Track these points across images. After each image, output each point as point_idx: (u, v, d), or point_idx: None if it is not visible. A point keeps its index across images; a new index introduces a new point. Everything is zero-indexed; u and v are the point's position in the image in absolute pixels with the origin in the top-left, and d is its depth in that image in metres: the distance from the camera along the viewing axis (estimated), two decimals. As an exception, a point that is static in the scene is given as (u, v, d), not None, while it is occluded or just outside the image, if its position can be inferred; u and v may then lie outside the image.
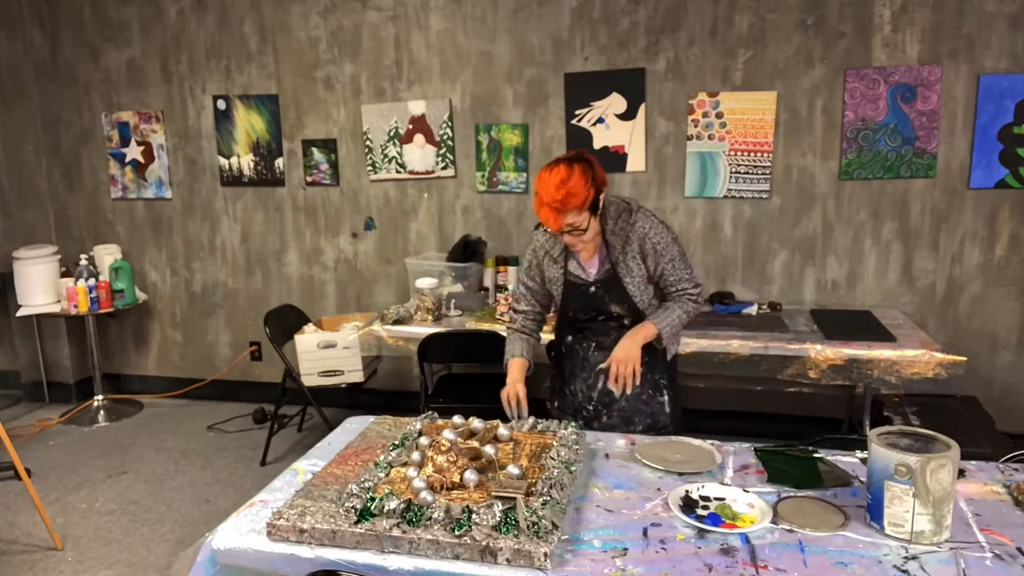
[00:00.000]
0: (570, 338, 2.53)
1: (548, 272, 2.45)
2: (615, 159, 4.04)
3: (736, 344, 3.19)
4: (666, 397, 2.49)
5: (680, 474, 1.90)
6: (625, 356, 2.30)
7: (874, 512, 1.61)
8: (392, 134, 4.33)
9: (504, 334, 3.32)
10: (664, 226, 2.36)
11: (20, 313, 4.55)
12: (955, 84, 3.61)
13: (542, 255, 2.46)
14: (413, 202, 4.41)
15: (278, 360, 3.95)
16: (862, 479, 1.83)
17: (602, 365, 2.38)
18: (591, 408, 2.48)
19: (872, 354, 3.07)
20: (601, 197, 2.27)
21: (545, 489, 1.65)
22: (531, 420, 2.15)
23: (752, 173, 3.88)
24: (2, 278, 4.74)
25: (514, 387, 2.35)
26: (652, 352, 2.41)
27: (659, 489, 1.82)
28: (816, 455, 1.98)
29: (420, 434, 2.01)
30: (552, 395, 2.64)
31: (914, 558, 1.51)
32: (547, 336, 3.31)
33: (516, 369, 2.42)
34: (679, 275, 2.37)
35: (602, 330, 2.44)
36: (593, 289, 2.39)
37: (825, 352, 3.11)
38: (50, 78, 4.74)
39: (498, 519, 1.54)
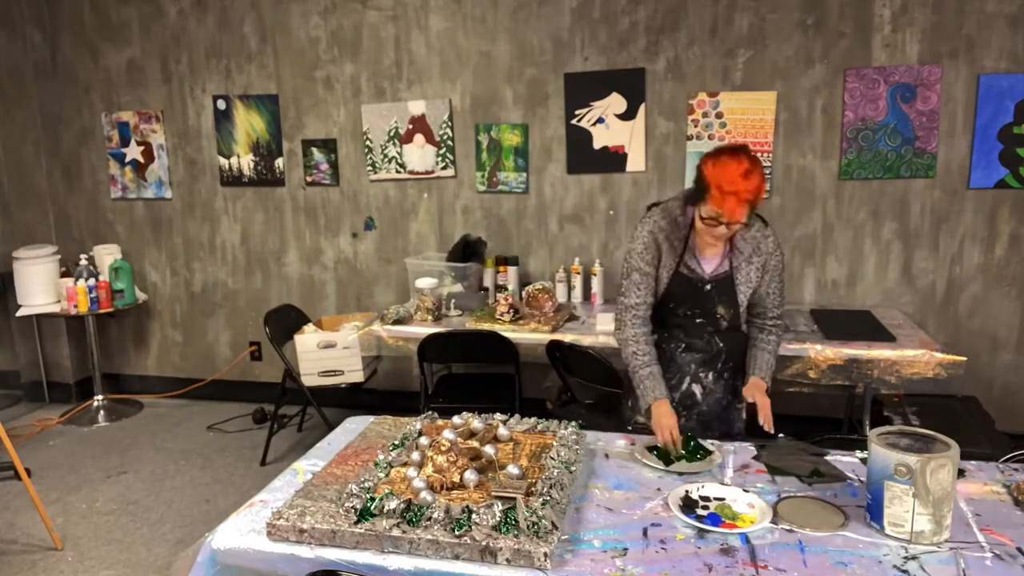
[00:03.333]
0: (656, 335, 2.41)
1: (665, 258, 2.34)
2: (615, 159, 4.04)
3: (736, 344, 3.18)
4: (744, 404, 2.44)
5: (680, 474, 1.90)
6: (766, 398, 2.27)
7: (874, 512, 1.61)
8: (392, 134, 4.33)
9: (505, 335, 3.35)
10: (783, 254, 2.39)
11: (20, 313, 4.55)
12: (955, 84, 3.61)
13: (662, 239, 2.34)
14: (413, 202, 4.41)
15: (278, 360, 3.95)
16: (862, 479, 1.83)
17: (748, 399, 2.30)
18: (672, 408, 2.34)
19: (872, 354, 3.06)
20: None
21: (545, 489, 1.65)
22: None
23: (752, 173, 3.88)
24: (2, 278, 4.74)
25: (673, 431, 2.10)
26: (739, 359, 2.41)
27: (659, 489, 1.82)
28: (817, 453, 1.98)
29: (420, 434, 2.01)
30: (626, 393, 2.53)
31: (914, 558, 1.51)
32: (545, 336, 3.32)
33: (669, 412, 2.18)
34: (777, 302, 2.38)
35: (695, 331, 2.38)
36: (709, 287, 2.32)
37: (825, 352, 3.11)
38: (50, 78, 4.74)
39: (498, 519, 1.54)
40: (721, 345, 2.38)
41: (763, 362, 2.37)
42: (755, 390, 2.29)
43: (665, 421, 2.13)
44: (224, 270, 4.80)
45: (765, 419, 2.22)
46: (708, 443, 2.07)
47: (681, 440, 2.07)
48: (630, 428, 2.44)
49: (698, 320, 2.37)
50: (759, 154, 3.86)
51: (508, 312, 3.55)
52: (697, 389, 2.40)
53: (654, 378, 2.28)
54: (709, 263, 2.32)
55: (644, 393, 2.27)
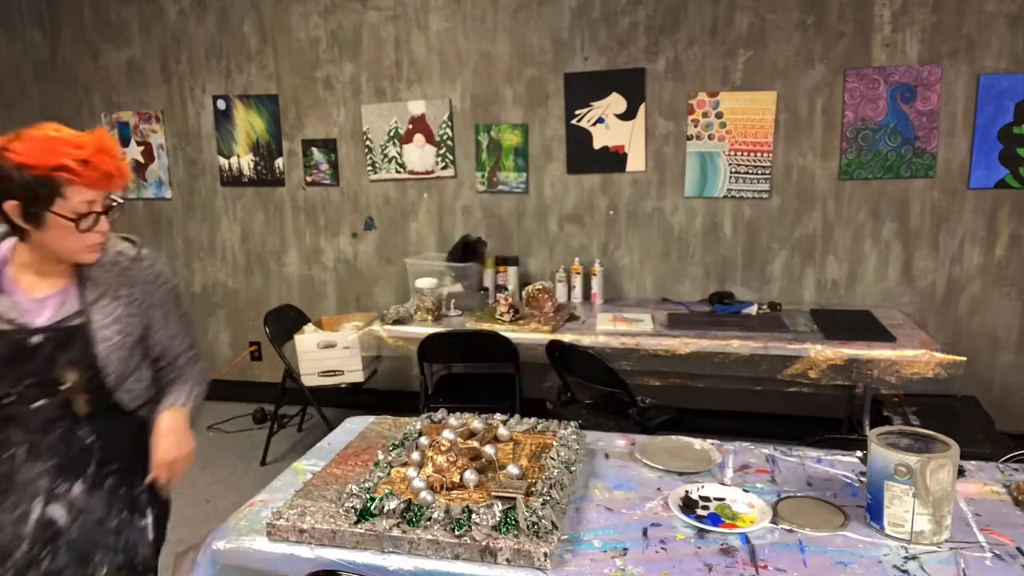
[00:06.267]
0: None
1: None
2: (615, 159, 4.04)
3: (736, 344, 3.19)
4: (150, 518, 1.78)
5: (680, 474, 1.90)
6: (181, 453, 1.71)
7: (874, 512, 1.61)
8: (392, 134, 4.33)
9: (505, 335, 3.35)
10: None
11: (20, 313, 4.55)
12: (955, 84, 3.61)
13: None
14: (413, 202, 4.41)
15: (278, 360, 3.95)
16: (862, 479, 1.83)
17: (148, 479, 1.70)
18: (24, 550, 1.59)
19: (872, 354, 3.06)
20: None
21: (545, 489, 1.65)
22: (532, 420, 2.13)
23: (752, 173, 3.89)
24: (2, 278, 4.74)
25: None
26: (129, 457, 1.70)
27: (659, 489, 1.82)
28: None
29: (420, 434, 2.01)
30: None
31: (914, 558, 1.51)
32: (545, 336, 3.32)
33: None
34: (185, 344, 1.79)
35: (36, 423, 1.60)
36: (40, 339, 1.57)
37: (825, 352, 3.11)
38: (50, 78, 4.74)
39: (498, 519, 1.54)
40: (91, 439, 1.64)
41: (179, 389, 1.76)
42: (162, 423, 1.69)
43: None
44: (224, 270, 4.80)
45: (155, 464, 1.68)
46: (708, 443, 2.06)
47: None
48: None
49: (34, 404, 1.58)
50: (759, 154, 3.86)
51: (508, 312, 3.55)
52: (58, 512, 1.62)
53: None
54: (43, 308, 1.58)
55: None
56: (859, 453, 1.96)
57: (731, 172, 3.91)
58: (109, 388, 1.64)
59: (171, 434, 1.70)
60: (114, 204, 1.58)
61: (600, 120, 4.03)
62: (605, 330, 3.40)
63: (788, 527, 1.62)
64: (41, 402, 1.58)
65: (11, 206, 1.48)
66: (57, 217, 1.49)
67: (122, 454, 1.70)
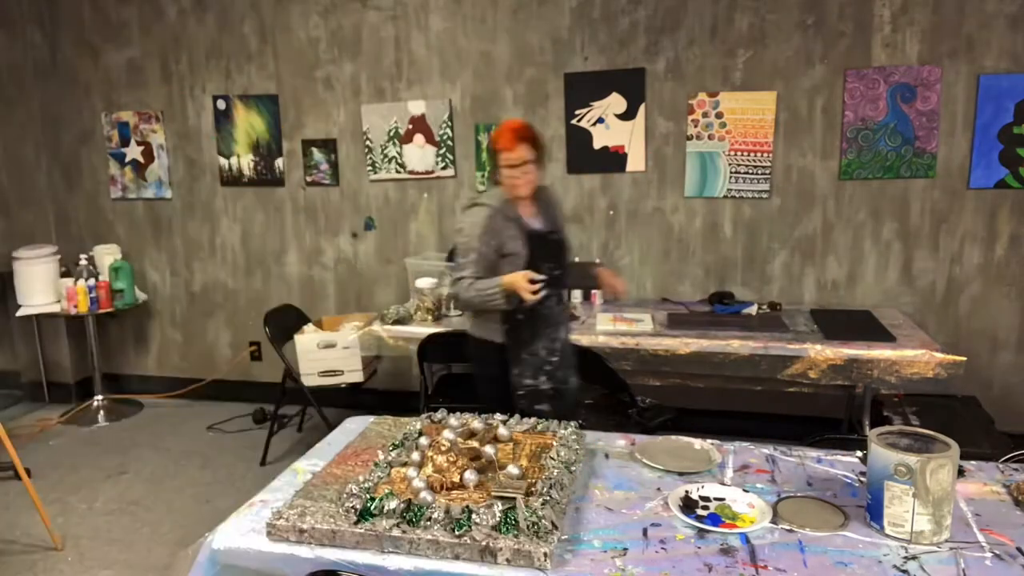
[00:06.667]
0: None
1: (505, 235, 2.60)
2: (615, 159, 4.04)
3: (736, 344, 3.19)
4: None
5: (680, 474, 1.90)
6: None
7: (874, 512, 1.61)
8: (392, 134, 4.33)
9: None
10: None
11: (20, 313, 4.55)
12: (955, 84, 3.61)
13: (498, 220, 2.61)
14: (413, 202, 4.41)
15: (278, 360, 3.95)
16: (862, 479, 1.83)
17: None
18: (554, 360, 2.67)
19: (872, 354, 3.06)
20: None
21: (545, 489, 1.65)
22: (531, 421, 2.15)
23: (752, 173, 3.89)
24: (2, 278, 4.74)
25: (527, 274, 2.48)
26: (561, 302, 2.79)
27: (659, 489, 1.82)
28: None
29: (420, 434, 2.01)
30: (513, 366, 2.67)
31: (914, 558, 1.51)
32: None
33: (510, 274, 2.54)
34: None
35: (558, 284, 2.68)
36: (554, 236, 2.69)
37: (825, 352, 3.11)
38: (50, 78, 4.74)
39: (498, 519, 1.54)
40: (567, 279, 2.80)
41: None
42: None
43: (517, 275, 2.48)
44: (224, 270, 4.80)
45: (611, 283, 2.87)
46: (708, 443, 2.07)
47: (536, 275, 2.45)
48: (521, 393, 2.63)
49: (555, 272, 2.63)
50: (759, 154, 3.86)
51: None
52: (564, 332, 2.75)
53: (489, 278, 2.56)
54: (536, 221, 2.67)
55: (491, 285, 2.53)
56: (859, 453, 1.96)
57: (731, 172, 3.91)
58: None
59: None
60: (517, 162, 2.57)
61: (600, 120, 4.03)
62: (605, 330, 3.40)
63: (788, 527, 1.62)
64: (558, 272, 2.65)
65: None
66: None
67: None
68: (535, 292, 2.43)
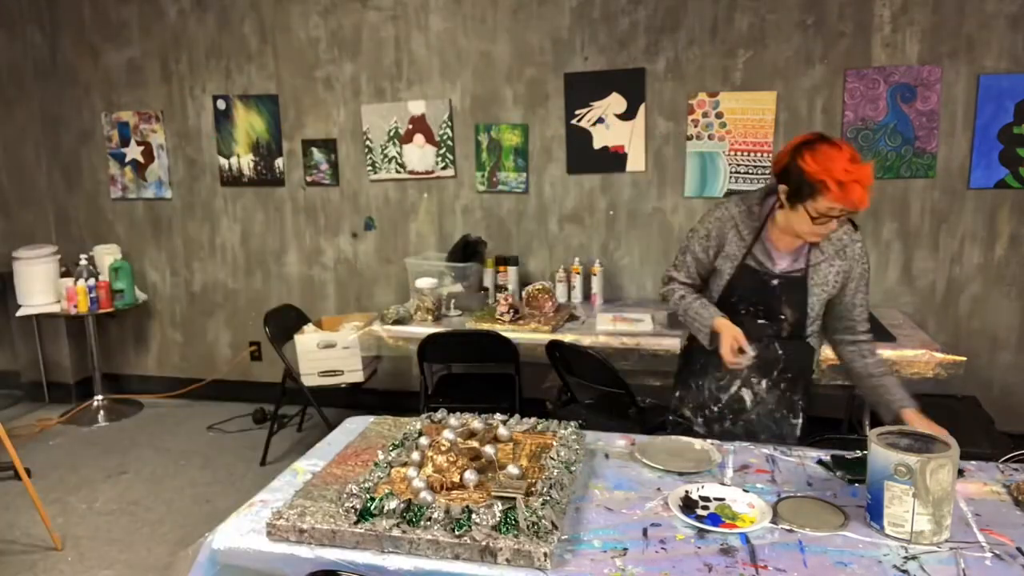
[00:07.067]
0: None
1: (728, 247, 2.22)
2: (615, 159, 4.04)
3: (736, 344, 3.18)
4: (800, 420, 2.30)
5: (680, 474, 1.90)
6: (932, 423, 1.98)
7: (874, 512, 1.61)
8: (392, 134, 4.34)
9: (505, 335, 3.35)
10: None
11: (20, 313, 4.55)
12: (955, 84, 3.61)
13: (729, 227, 2.22)
14: (413, 202, 4.41)
15: (278, 360, 3.95)
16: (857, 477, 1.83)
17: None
18: (715, 409, 2.31)
19: (872, 354, 3.06)
20: None
21: (545, 489, 1.65)
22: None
23: (752, 173, 3.89)
24: (2, 278, 4.74)
25: (739, 338, 2.11)
26: (798, 372, 2.27)
27: (659, 489, 1.82)
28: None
29: (420, 434, 2.01)
30: (676, 384, 2.46)
31: (914, 558, 1.51)
32: (545, 336, 3.32)
33: (730, 324, 2.16)
34: (865, 315, 2.22)
35: (755, 331, 2.17)
36: (776, 282, 2.18)
37: (825, 352, 3.10)
38: (50, 78, 4.74)
39: (498, 519, 1.54)
40: (780, 352, 2.23)
41: (896, 388, 2.13)
42: (918, 422, 2.00)
43: (728, 332, 2.11)
44: (224, 270, 4.80)
45: (918, 421, 2.04)
46: (708, 443, 2.07)
47: (752, 349, 2.10)
48: (672, 417, 2.41)
49: (760, 320, 2.21)
50: (759, 154, 3.86)
51: (508, 312, 3.55)
52: (747, 395, 2.27)
53: (706, 306, 2.22)
54: (782, 259, 2.18)
55: (701, 318, 2.21)
56: (859, 453, 1.95)
57: (731, 172, 3.91)
58: (805, 324, 2.22)
59: (928, 423, 1.99)
60: (845, 216, 2.04)
61: (600, 120, 4.03)
62: (605, 330, 3.40)
63: (788, 527, 1.62)
64: (762, 321, 2.22)
65: (782, 188, 2.05)
66: (805, 210, 2.00)
67: (795, 368, 2.26)
68: (735, 363, 2.12)
